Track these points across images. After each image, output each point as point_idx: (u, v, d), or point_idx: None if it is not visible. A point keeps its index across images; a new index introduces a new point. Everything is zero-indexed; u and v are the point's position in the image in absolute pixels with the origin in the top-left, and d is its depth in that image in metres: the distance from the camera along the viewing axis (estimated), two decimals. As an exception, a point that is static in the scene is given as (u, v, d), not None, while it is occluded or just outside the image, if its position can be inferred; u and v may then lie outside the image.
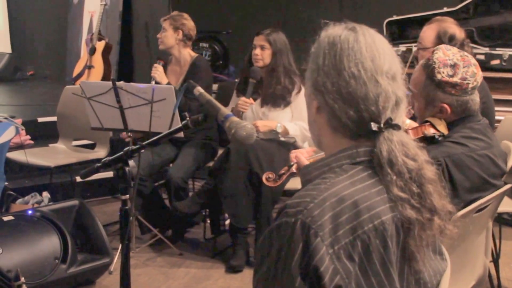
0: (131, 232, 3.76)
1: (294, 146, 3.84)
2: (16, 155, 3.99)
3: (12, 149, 3.59)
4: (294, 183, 3.58)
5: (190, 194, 4.09)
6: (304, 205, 1.13)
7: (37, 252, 3.11)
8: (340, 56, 1.22)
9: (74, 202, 3.50)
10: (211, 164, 3.99)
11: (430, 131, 2.19)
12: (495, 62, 4.61)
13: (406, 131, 2.11)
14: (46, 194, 4.05)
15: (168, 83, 4.00)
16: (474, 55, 4.04)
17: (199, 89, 1.88)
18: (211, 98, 1.86)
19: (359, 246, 1.12)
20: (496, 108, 3.41)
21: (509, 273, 3.63)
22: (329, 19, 1.40)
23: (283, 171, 2.31)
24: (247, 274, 3.65)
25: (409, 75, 2.29)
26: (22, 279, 2.88)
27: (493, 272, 3.24)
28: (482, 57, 4.63)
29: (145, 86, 3.62)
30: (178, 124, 2.69)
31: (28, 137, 3.51)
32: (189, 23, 4.16)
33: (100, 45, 5.81)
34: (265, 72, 3.88)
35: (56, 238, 3.20)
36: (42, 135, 4.79)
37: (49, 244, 3.17)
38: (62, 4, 7.11)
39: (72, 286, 3.29)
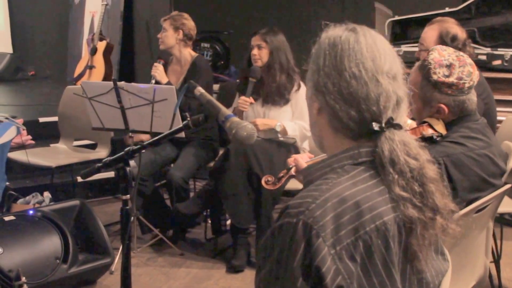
0: (132, 232, 3.77)
1: (294, 146, 3.84)
2: (17, 155, 3.99)
3: (13, 149, 3.60)
4: (295, 183, 3.57)
5: (191, 194, 4.09)
6: (306, 206, 1.13)
7: (38, 252, 3.12)
8: (341, 56, 1.22)
9: (75, 202, 3.50)
10: (212, 164, 3.99)
11: (428, 132, 2.19)
12: (497, 62, 4.61)
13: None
14: (47, 194, 4.05)
15: (168, 82, 4.00)
16: (476, 55, 4.04)
17: (199, 89, 1.88)
18: (212, 98, 1.86)
19: (361, 247, 1.12)
20: (497, 109, 3.40)
21: (510, 273, 3.63)
22: (331, 19, 1.40)
23: (282, 174, 2.31)
24: (248, 274, 3.65)
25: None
26: (23, 279, 2.88)
27: (494, 272, 3.24)
28: (483, 57, 4.62)
29: (146, 86, 3.63)
30: (179, 124, 2.69)
31: (29, 137, 3.52)
32: (189, 23, 4.16)
33: (101, 45, 5.81)
34: (263, 70, 3.88)
35: (57, 238, 3.20)
36: (43, 135, 4.80)
37: (50, 244, 3.17)
38: (63, 4, 7.11)
39: (73, 286, 3.29)
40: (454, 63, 2.19)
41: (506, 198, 3.13)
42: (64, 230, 3.23)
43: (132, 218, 3.64)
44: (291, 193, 3.86)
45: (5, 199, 3.80)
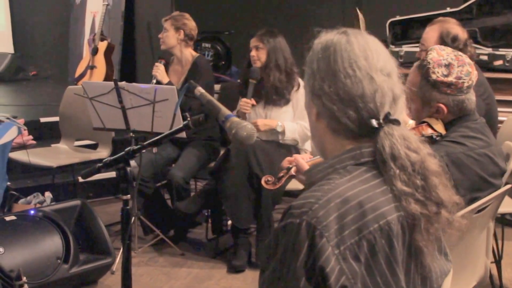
0: (133, 232, 3.77)
1: (294, 147, 3.85)
2: (19, 155, 3.99)
3: (14, 149, 3.60)
4: (296, 184, 3.57)
5: (192, 194, 4.09)
6: (309, 206, 1.13)
7: (39, 252, 3.12)
8: (334, 58, 1.24)
9: (76, 202, 3.50)
10: (213, 164, 3.99)
11: (428, 132, 2.19)
12: (498, 62, 4.61)
13: None
14: (48, 194, 4.06)
15: (169, 82, 4.00)
16: (477, 55, 4.04)
17: (199, 89, 1.88)
18: (212, 98, 1.86)
19: (365, 247, 1.13)
20: (498, 109, 3.40)
21: (511, 273, 3.63)
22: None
23: (282, 174, 2.31)
24: (249, 274, 3.65)
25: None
26: (24, 278, 2.88)
27: (495, 272, 3.24)
28: (485, 57, 4.62)
29: (147, 86, 3.63)
30: (179, 124, 2.70)
31: (31, 137, 3.51)
32: (190, 23, 4.16)
33: (102, 45, 5.81)
34: (261, 71, 3.89)
35: (58, 238, 3.20)
36: (44, 135, 4.80)
37: (51, 244, 3.17)
38: (65, 5, 7.11)
39: (74, 286, 3.30)
40: (453, 62, 2.19)
41: (507, 199, 3.13)
42: (65, 230, 3.23)
43: (133, 218, 3.66)
44: (292, 194, 3.87)
45: (6, 199, 3.80)
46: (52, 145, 4.57)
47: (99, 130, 3.88)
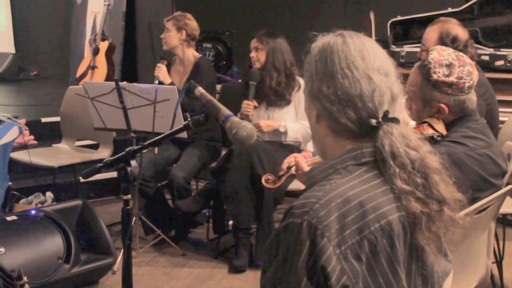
0: (134, 232, 3.77)
1: (297, 149, 3.85)
2: (20, 155, 3.99)
3: (15, 149, 3.60)
4: (297, 184, 3.58)
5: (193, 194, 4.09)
6: (310, 206, 1.14)
7: (40, 252, 3.12)
8: (331, 59, 1.25)
9: (78, 202, 3.50)
10: (214, 164, 3.99)
11: (429, 132, 2.19)
12: (500, 63, 4.60)
13: None
14: (49, 194, 4.05)
15: (171, 83, 4.00)
16: (479, 56, 4.04)
17: (199, 89, 1.88)
18: (212, 98, 1.86)
19: (366, 246, 1.13)
20: (500, 109, 3.40)
21: (513, 274, 3.62)
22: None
23: (282, 173, 2.31)
24: (250, 274, 3.65)
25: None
26: (25, 278, 2.88)
27: (496, 273, 3.23)
28: (486, 57, 4.62)
29: (148, 86, 3.63)
30: (180, 124, 2.70)
31: (32, 137, 3.52)
32: (192, 23, 4.16)
33: (103, 46, 5.81)
34: (261, 72, 3.89)
35: (60, 238, 3.20)
36: (46, 135, 4.80)
37: (52, 244, 3.18)
38: (66, 5, 7.11)
39: (75, 286, 3.30)
40: (454, 62, 2.19)
41: (508, 199, 3.12)
42: (66, 230, 3.23)
43: (134, 218, 3.66)
44: (294, 194, 3.86)
45: (7, 199, 3.80)
46: (53, 145, 4.57)
47: (100, 130, 3.89)
